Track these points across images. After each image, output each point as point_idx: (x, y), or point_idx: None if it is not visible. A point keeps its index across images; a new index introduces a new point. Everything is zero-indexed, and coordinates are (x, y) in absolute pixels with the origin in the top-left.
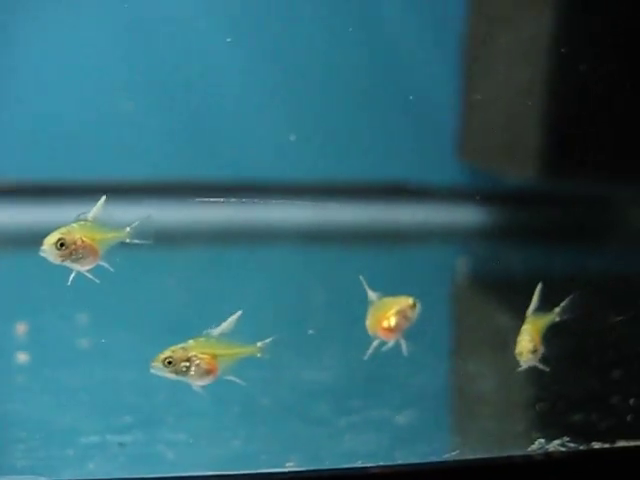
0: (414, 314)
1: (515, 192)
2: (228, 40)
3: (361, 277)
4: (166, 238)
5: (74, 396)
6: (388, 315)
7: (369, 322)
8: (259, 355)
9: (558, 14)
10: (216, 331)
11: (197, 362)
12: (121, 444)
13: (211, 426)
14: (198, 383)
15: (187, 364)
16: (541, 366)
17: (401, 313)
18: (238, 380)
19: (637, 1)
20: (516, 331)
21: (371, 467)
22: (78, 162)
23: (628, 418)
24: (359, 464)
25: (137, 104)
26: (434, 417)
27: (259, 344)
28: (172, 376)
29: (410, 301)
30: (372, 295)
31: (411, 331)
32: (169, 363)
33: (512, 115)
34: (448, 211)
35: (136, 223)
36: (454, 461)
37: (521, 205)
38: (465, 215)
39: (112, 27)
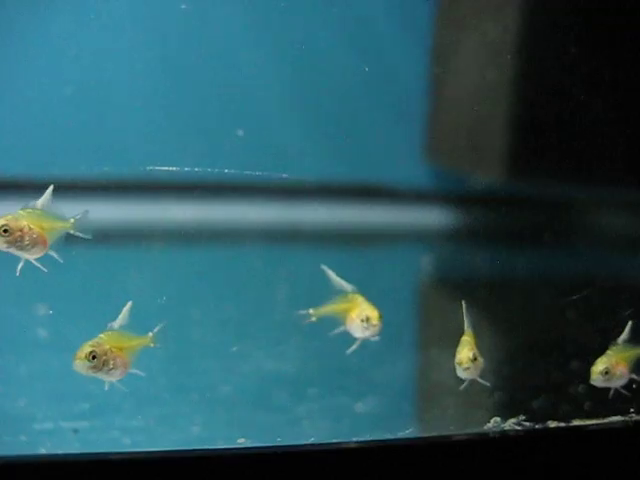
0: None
1: (481, 193)
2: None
3: (328, 269)
4: (133, 235)
5: (29, 384)
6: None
7: (348, 315)
8: (152, 345)
9: (524, 17)
10: (116, 324)
11: (114, 357)
12: (75, 430)
13: (168, 413)
14: (113, 378)
15: (106, 358)
16: (481, 380)
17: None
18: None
19: (603, 2)
20: (478, 328)
21: (322, 444)
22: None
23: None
24: (310, 441)
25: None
26: (394, 406)
27: (150, 334)
28: (92, 372)
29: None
30: (346, 286)
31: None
32: (93, 358)
33: (478, 117)
34: (415, 212)
35: (79, 215)
36: (409, 439)
37: (487, 206)
38: (432, 216)
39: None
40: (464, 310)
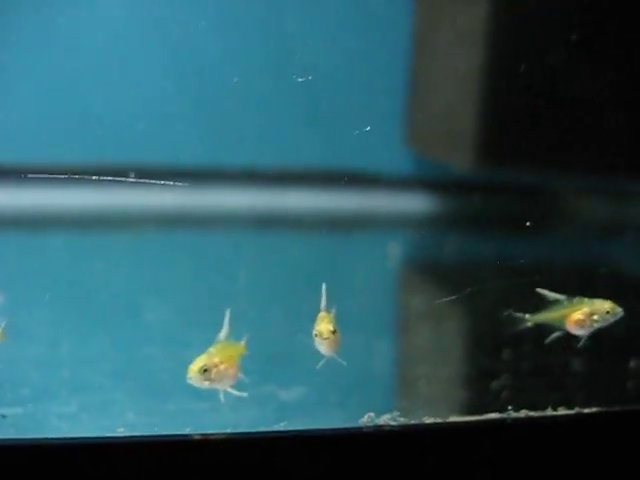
0: None
1: (460, 180)
2: None
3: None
4: (101, 221)
5: None
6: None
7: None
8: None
9: (500, 7)
10: (222, 335)
11: (223, 368)
12: (3, 416)
13: (104, 399)
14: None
15: (217, 370)
16: (339, 359)
17: None
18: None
19: None
20: (464, 309)
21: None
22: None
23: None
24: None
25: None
26: (323, 393)
27: (243, 343)
28: (207, 384)
29: None
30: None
31: (356, 314)
32: (205, 371)
33: (456, 104)
34: (396, 199)
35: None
36: (276, 432)
37: (467, 193)
38: (413, 203)
39: None
40: (323, 291)
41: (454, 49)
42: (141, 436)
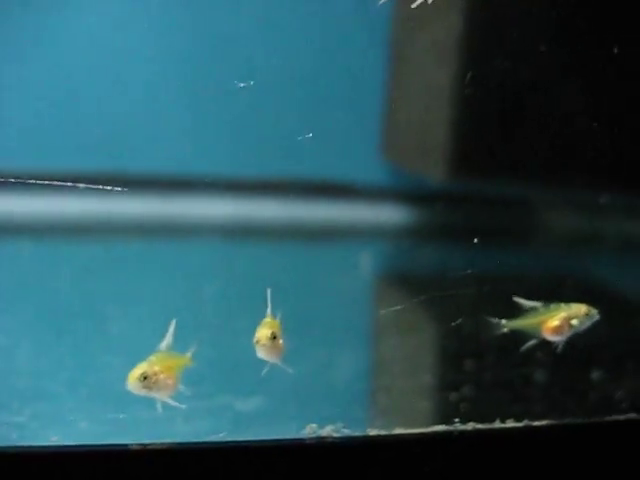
0: None
1: (435, 192)
2: None
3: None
4: (65, 228)
5: None
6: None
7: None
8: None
9: (472, 18)
10: (164, 345)
11: (162, 377)
12: None
13: (57, 409)
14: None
15: (156, 379)
16: (283, 365)
17: None
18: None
19: (548, 5)
20: (434, 318)
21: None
22: None
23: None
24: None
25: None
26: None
27: (188, 354)
28: (145, 392)
29: None
30: None
31: (329, 324)
32: (144, 379)
33: (430, 116)
34: (372, 210)
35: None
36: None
37: (441, 205)
38: (389, 214)
39: None
40: (268, 296)
41: (429, 61)
42: (77, 446)
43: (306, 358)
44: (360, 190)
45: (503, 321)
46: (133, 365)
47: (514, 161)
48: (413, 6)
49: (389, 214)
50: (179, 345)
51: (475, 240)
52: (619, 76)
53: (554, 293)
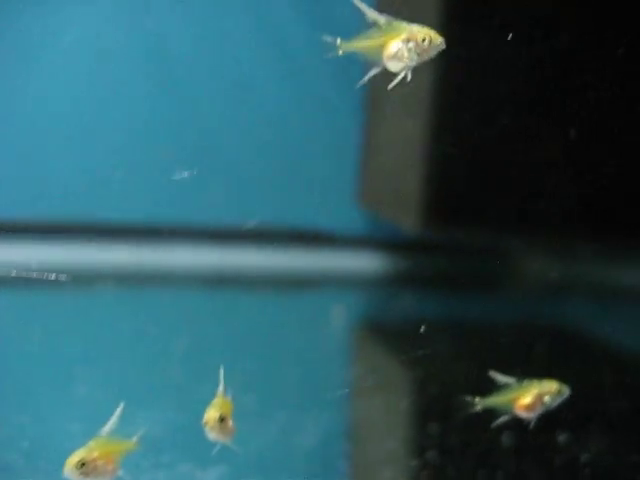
0: None
1: (412, 241)
2: None
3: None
4: (43, 280)
5: None
6: None
7: None
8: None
9: (442, 74)
10: (106, 428)
11: (100, 463)
12: None
13: None
14: None
15: (94, 465)
16: (231, 445)
17: None
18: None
19: (522, 57)
20: (407, 377)
21: None
22: None
23: None
24: None
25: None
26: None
27: (134, 439)
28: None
29: None
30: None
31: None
32: (82, 466)
33: (403, 165)
34: (349, 258)
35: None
36: None
37: (418, 253)
38: (366, 262)
39: None
40: (221, 375)
41: (402, 113)
42: None
43: (271, 422)
44: (338, 238)
45: (477, 399)
46: (93, 434)
47: (486, 209)
48: (389, 87)
49: (366, 262)
50: (139, 414)
51: (422, 329)
52: (588, 127)
53: (528, 341)
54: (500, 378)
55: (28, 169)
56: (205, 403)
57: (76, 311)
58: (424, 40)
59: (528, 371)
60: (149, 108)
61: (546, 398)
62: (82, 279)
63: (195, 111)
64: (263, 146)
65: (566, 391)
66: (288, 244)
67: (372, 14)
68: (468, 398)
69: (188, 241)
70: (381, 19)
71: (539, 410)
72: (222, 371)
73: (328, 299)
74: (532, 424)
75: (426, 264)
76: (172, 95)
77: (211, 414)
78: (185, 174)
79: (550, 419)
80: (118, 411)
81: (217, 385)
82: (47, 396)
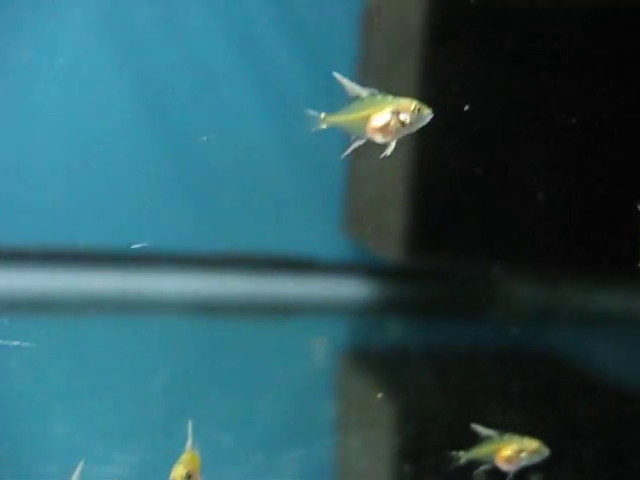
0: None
1: (396, 268)
2: None
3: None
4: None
5: None
6: None
7: None
8: None
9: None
10: None
11: None
12: None
13: None
14: None
15: None
16: None
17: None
18: None
19: (503, 88)
20: (393, 407)
21: None
22: None
23: None
24: None
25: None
26: None
27: None
28: None
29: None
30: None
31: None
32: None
33: (385, 195)
34: (334, 284)
35: None
36: None
37: (403, 281)
38: (348, 289)
39: None
40: (189, 429)
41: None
42: None
43: (245, 462)
44: (322, 265)
45: (461, 452)
46: (69, 474)
47: (469, 238)
48: (381, 157)
49: (350, 289)
50: (115, 456)
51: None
52: (571, 156)
53: (510, 369)
54: (482, 431)
55: (8, 196)
56: (182, 443)
57: (58, 340)
58: (413, 111)
59: (505, 402)
60: (131, 137)
61: (524, 454)
62: (62, 307)
63: (180, 139)
64: (248, 173)
65: (545, 451)
66: (272, 271)
67: (354, 88)
68: (453, 453)
69: (170, 269)
70: (363, 92)
71: (518, 463)
72: (190, 425)
73: (312, 326)
74: (510, 477)
75: (411, 292)
76: (156, 125)
77: (178, 471)
78: (145, 244)
79: None
80: (78, 470)
81: (193, 425)
82: (22, 435)
